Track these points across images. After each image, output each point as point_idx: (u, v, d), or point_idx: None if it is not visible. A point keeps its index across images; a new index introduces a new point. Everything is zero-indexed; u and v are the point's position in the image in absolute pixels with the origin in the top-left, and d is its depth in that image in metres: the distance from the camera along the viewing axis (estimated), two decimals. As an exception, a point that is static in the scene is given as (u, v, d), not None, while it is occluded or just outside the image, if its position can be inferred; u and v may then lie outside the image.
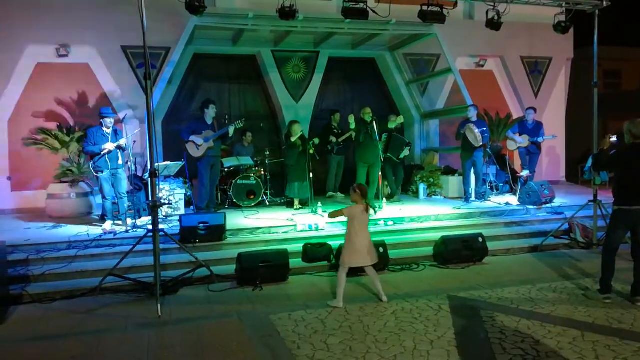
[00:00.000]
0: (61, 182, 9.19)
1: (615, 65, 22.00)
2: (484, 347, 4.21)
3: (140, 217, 7.93)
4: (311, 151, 8.79)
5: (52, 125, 9.57)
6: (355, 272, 5.85)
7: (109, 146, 7.42)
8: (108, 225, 7.52)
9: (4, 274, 5.33)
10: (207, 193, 8.68)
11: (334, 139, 10.52)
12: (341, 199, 10.39)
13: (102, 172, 7.45)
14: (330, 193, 10.68)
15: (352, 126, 8.95)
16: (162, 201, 8.13)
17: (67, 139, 9.43)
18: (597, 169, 6.69)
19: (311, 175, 8.82)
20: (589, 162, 9.62)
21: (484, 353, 4.11)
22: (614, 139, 6.38)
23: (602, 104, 8.70)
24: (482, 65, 12.73)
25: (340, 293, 5.32)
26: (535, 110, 10.43)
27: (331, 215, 5.69)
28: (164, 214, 8.23)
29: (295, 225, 7.68)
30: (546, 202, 9.06)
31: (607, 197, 7.60)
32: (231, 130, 8.53)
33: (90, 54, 10.06)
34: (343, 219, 5.68)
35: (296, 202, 9.20)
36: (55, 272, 6.15)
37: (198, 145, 8.39)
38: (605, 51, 14.66)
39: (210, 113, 8.62)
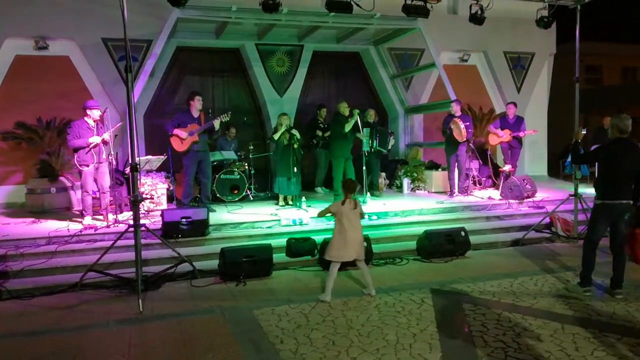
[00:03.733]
0: (41, 176, 9.05)
1: (596, 61, 22.25)
2: (466, 340, 4.24)
3: (121, 212, 7.84)
4: (295, 145, 8.72)
5: (31, 119, 9.40)
6: (344, 265, 5.82)
7: (96, 139, 7.29)
8: (88, 220, 7.42)
9: (-18, 270, 5.24)
10: (192, 188, 8.53)
11: (319, 133, 10.48)
12: (325, 194, 10.35)
13: (88, 166, 7.33)
14: (318, 189, 10.63)
15: (355, 117, 8.78)
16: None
17: (47, 132, 9.30)
18: (577, 162, 6.75)
19: (295, 169, 8.76)
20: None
21: (465, 346, 4.14)
22: (584, 131, 6.45)
23: (584, 99, 8.81)
24: (466, 60, 12.79)
25: (329, 287, 5.32)
26: (515, 105, 10.50)
27: (320, 215, 5.70)
28: (145, 208, 8.14)
29: (279, 220, 7.66)
30: (528, 197, 9.14)
31: (587, 192, 7.73)
32: (217, 124, 8.23)
33: (70, 47, 9.89)
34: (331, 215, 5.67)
35: (281, 198, 9.11)
36: (35, 267, 6.07)
37: (182, 139, 8.17)
38: (587, 47, 14.83)
39: (197, 105, 8.30)
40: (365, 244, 6.51)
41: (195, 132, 8.14)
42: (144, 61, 9.79)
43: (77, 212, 8.41)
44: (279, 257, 6.55)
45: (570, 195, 7.74)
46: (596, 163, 5.48)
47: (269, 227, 7.52)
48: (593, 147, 8.69)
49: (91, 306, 5.29)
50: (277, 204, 9.07)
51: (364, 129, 9.65)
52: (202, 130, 8.21)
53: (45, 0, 9.46)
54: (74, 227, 7.23)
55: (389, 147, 10.15)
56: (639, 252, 6.41)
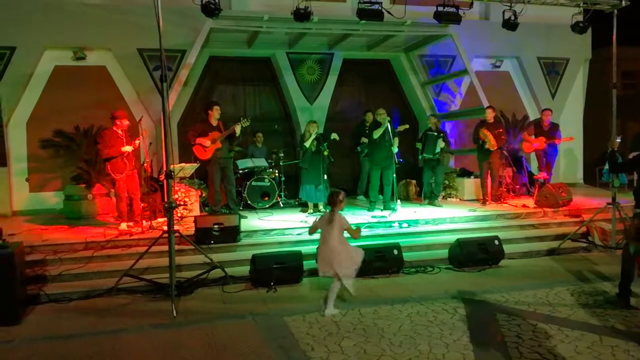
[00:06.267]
0: (78, 183, 9.29)
1: (634, 66, 21.61)
2: (501, 351, 4.16)
3: (155, 219, 7.98)
4: (325, 153, 8.72)
5: (69, 128, 9.67)
6: (363, 274, 5.74)
7: (129, 148, 7.49)
8: (123, 226, 7.59)
9: (22, 274, 5.39)
10: (219, 195, 8.60)
11: (365, 140, 9.98)
12: (363, 202, 10.17)
13: (122, 173, 7.52)
14: (360, 197, 10.51)
15: (385, 125, 8.72)
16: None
17: (84, 141, 9.55)
18: (616, 171, 6.57)
19: (325, 177, 8.77)
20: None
21: (500, 357, 4.06)
22: (619, 139, 6.31)
23: (621, 105, 8.57)
24: (499, 66, 12.62)
25: (330, 300, 5.16)
26: (551, 111, 10.31)
27: (310, 232, 5.57)
28: (179, 215, 8.27)
29: (309, 227, 7.65)
30: (563, 205, 8.94)
31: (625, 200, 7.51)
32: (237, 129, 8.30)
33: (107, 57, 10.16)
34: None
35: (310, 206, 9.12)
36: (72, 272, 6.22)
37: (205, 147, 8.22)
38: (623, 52, 14.43)
39: (215, 115, 8.39)
40: (395, 252, 6.54)
41: (217, 139, 8.24)
42: (178, 71, 9.98)
43: (113, 219, 8.60)
44: (309, 264, 6.54)
45: (608, 204, 7.53)
46: (634, 171, 5.33)
47: (299, 234, 7.53)
48: (632, 154, 8.46)
49: (126, 310, 5.40)
50: (307, 212, 9.04)
51: (428, 134, 9.66)
52: (224, 136, 8.31)
53: (83, 12, 9.75)
54: (109, 232, 7.39)
55: (437, 151, 9.61)
56: None
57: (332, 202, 5.22)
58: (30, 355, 4.35)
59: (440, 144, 9.60)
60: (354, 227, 5.34)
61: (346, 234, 5.25)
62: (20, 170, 9.89)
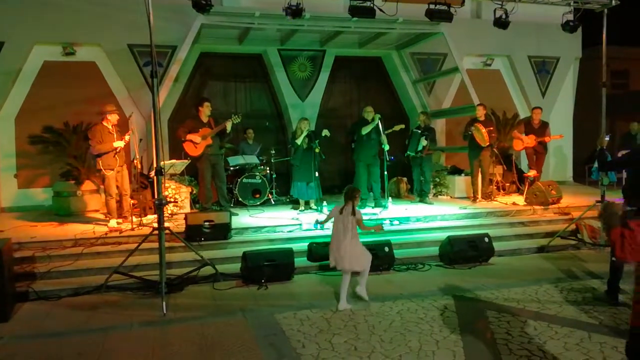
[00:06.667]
0: (67, 180, 9.22)
1: (623, 65, 21.82)
2: (490, 348, 4.18)
3: (145, 215, 7.94)
4: (317, 150, 8.72)
5: (58, 124, 9.58)
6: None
7: (120, 144, 7.45)
8: (113, 223, 7.54)
9: (10, 271, 5.34)
10: (210, 192, 8.58)
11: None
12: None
13: (112, 169, 7.48)
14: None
15: (375, 122, 8.79)
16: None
17: (74, 137, 9.47)
18: (605, 169, 6.61)
19: (317, 174, 8.77)
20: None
21: (489, 354, 4.08)
22: (607, 138, 6.34)
23: (610, 104, 8.64)
24: (489, 65, 12.68)
25: (342, 295, 5.23)
26: (541, 109, 10.37)
27: (323, 222, 5.77)
28: (169, 212, 8.23)
29: (300, 224, 7.67)
30: (553, 203, 9.00)
31: (614, 198, 7.57)
32: (228, 125, 8.30)
33: (97, 53, 10.08)
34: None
35: (302, 203, 9.13)
36: (61, 269, 6.18)
37: (196, 144, 8.19)
38: (613, 51, 14.56)
39: (205, 111, 8.38)
40: (386, 249, 6.55)
41: (208, 136, 8.22)
42: (168, 67, 9.91)
43: (103, 215, 8.54)
44: (300, 261, 6.56)
45: (597, 202, 7.59)
46: (624, 169, 5.37)
47: (290, 231, 7.54)
48: (620, 152, 8.52)
49: (116, 308, 5.36)
50: (299, 209, 9.03)
51: (413, 132, 9.64)
52: (215, 133, 8.27)
53: (73, 7, 9.65)
54: (99, 229, 7.34)
55: (419, 149, 9.57)
56: (629, 250, 6.19)
57: (351, 197, 5.32)
58: (18, 353, 4.31)
59: (423, 142, 9.54)
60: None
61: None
62: (9, 166, 9.80)
